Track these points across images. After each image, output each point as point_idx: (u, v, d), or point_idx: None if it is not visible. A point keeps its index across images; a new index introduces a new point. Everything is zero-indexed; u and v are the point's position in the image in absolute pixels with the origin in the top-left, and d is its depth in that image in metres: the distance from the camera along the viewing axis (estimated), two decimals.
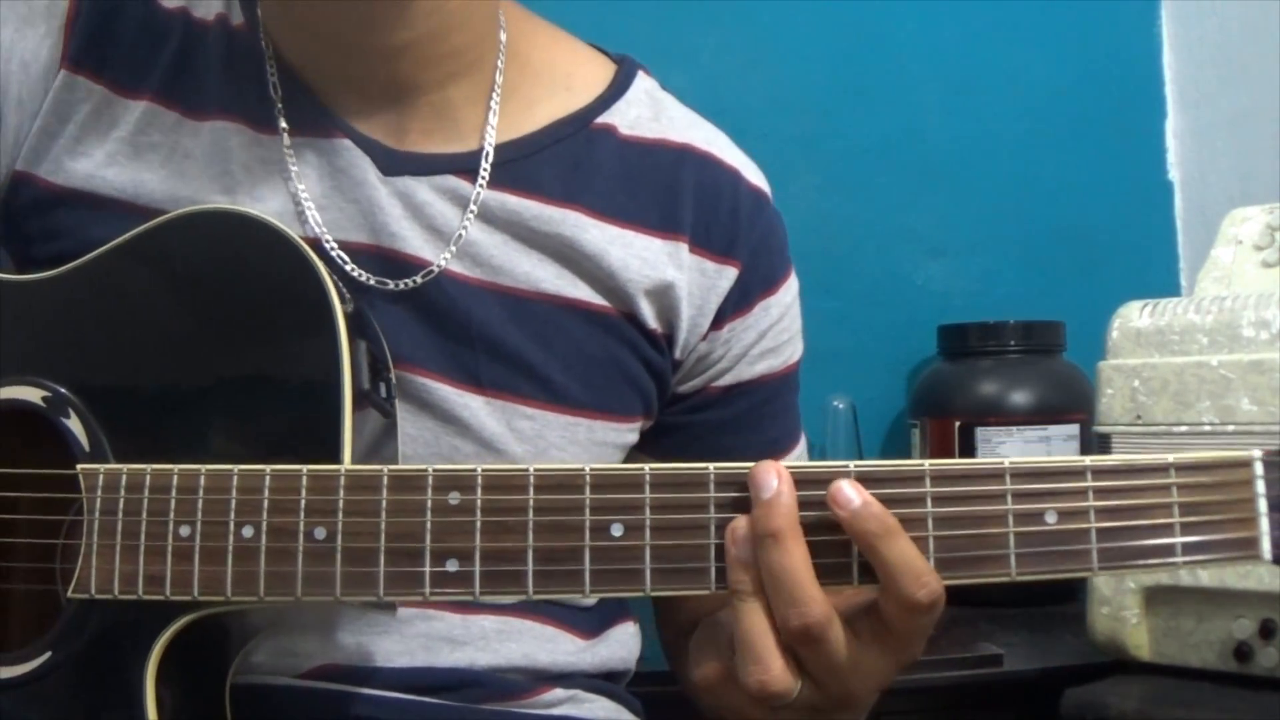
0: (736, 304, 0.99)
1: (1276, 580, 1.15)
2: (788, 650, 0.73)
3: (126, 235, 0.84)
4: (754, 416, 1.03)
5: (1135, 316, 1.27)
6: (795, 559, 0.71)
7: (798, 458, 1.08)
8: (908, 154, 1.96)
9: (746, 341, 1.01)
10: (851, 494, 0.71)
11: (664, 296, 0.97)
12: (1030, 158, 1.99)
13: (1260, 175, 1.81)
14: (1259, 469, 0.70)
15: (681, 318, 0.97)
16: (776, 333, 1.03)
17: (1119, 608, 1.25)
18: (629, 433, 0.99)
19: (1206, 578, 1.19)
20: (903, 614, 0.72)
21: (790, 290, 1.04)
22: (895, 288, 1.94)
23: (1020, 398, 1.70)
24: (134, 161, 0.91)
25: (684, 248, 0.97)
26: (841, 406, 1.81)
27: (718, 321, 0.99)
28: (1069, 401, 1.70)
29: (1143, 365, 1.23)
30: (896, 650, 0.75)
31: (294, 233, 0.82)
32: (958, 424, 1.71)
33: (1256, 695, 1.17)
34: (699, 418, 1.02)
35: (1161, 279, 2.01)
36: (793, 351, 1.05)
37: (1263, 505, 0.70)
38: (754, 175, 1.03)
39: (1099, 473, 0.71)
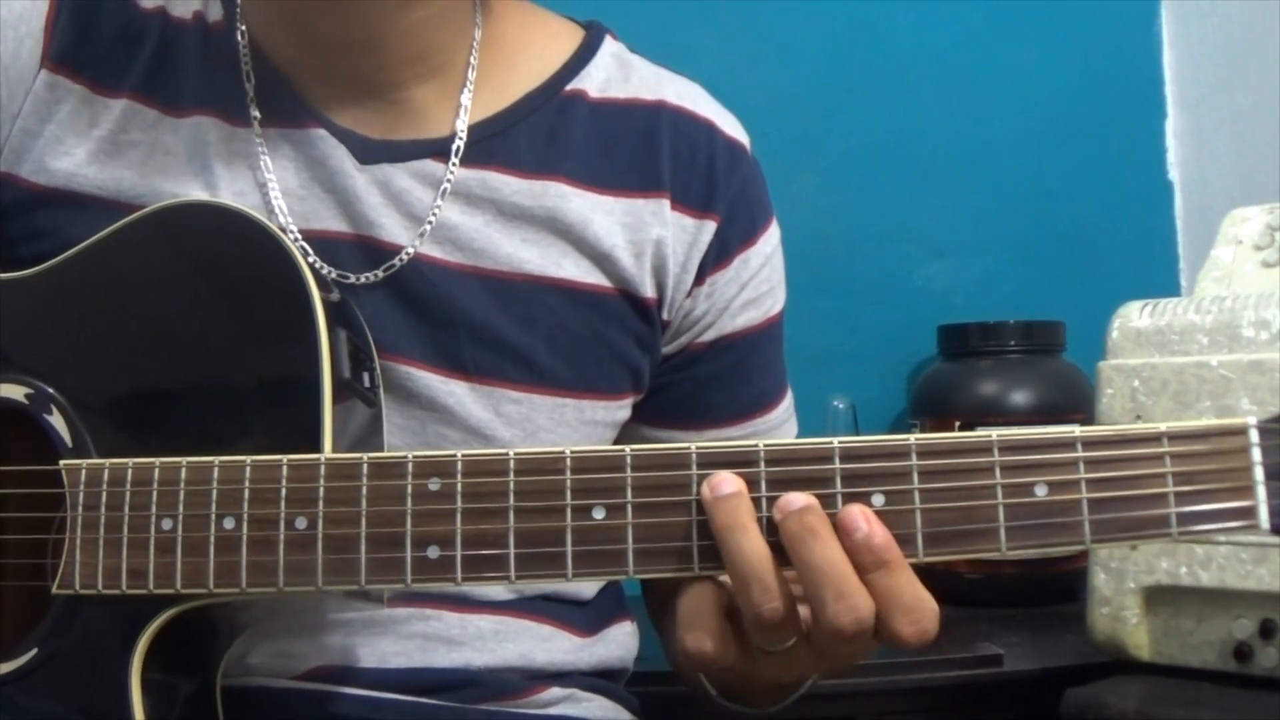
0: (716, 257, 0.99)
1: (1276, 580, 1.14)
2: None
3: (106, 230, 0.84)
4: (740, 370, 1.03)
5: (1135, 316, 1.27)
6: (836, 552, 0.70)
7: (785, 410, 1.08)
8: (908, 154, 1.96)
9: (728, 295, 1.00)
10: (858, 522, 0.70)
11: (657, 256, 0.97)
12: (1030, 158, 1.99)
13: (1260, 175, 1.81)
14: (1255, 436, 0.68)
15: (669, 275, 0.97)
16: (757, 284, 1.02)
17: (1119, 608, 1.24)
18: (619, 410, 0.99)
19: (1206, 577, 1.19)
20: (891, 638, 0.71)
21: (770, 241, 1.03)
22: (895, 288, 1.95)
23: (1020, 398, 1.70)
24: (115, 159, 0.91)
25: (666, 205, 0.97)
26: (841, 406, 1.81)
27: (699, 276, 0.99)
28: (1069, 401, 1.69)
29: (1143, 365, 1.23)
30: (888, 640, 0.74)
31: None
32: (958, 424, 1.71)
33: (1256, 695, 1.17)
34: (685, 375, 1.02)
35: (1161, 279, 2.01)
36: (774, 303, 1.05)
37: (1259, 474, 0.68)
38: (730, 126, 1.02)
39: (1089, 443, 0.70)
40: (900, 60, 1.97)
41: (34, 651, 0.79)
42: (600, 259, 0.95)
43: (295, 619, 0.89)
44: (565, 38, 1.01)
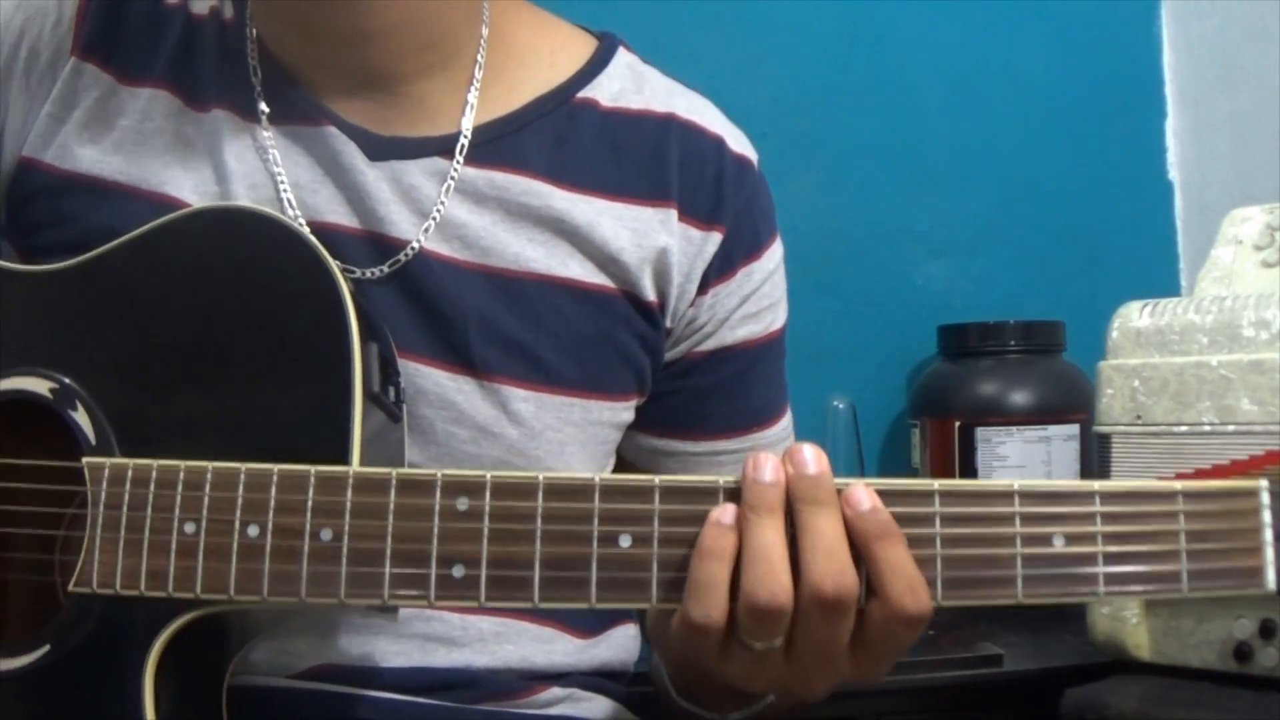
0: (720, 269, 1.00)
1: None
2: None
3: (139, 230, 0.85)
4: (738, 383, 1.04)
5: (1135, 316, 1.27)
6: (839, 525, 0.72)
7: (783, 428, 1.09)
8: (908, 154, 1.95)
9: (729, 306, 1.02)
10: (863, 497, 0.72)
11: (659, 263, 0.97)
12: (1030, 158, 1.99)
13: (1260, 175, 1.81)
14: (1265, 498, 0.71)
15: (673, 284, 0.98)
16: (758, 298, 1.03)
17: (1119, 608, 1.24)
18: (624, 411, 1.00)
19: None
20: (888, 622, 0.72)
21: (773, 258, 1.05)
22: (895, 288, 1.94)
23: (1020, 398, 1.70)
24: (138, 148, 0.92)
25: (673, 215, 0.98)
26: (841, 406, 1.81)
27: (703, 287, 1.00)
28: (1069, 401, 1.70)
29: (1143, 365, 1.23)
30: (865, 661, 0.75)
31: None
32: (958, 424, 1.71)
33: (1256, 695, 1.17)
34: (684, 384, 1.03)
35: (1161, 279, 2.01)
36: (774, 319, 1.06)
37: (1268, 535, 0.70)
38: (738, 142, 1.04)
39: (1107, 497, 0.71)
40: (900, 60, 1.96)
41: (46, 648, 0.79)
42: (606, 262, 0.96)
43: (297, 618, 0.90)
44: (577, 45, 1.02)
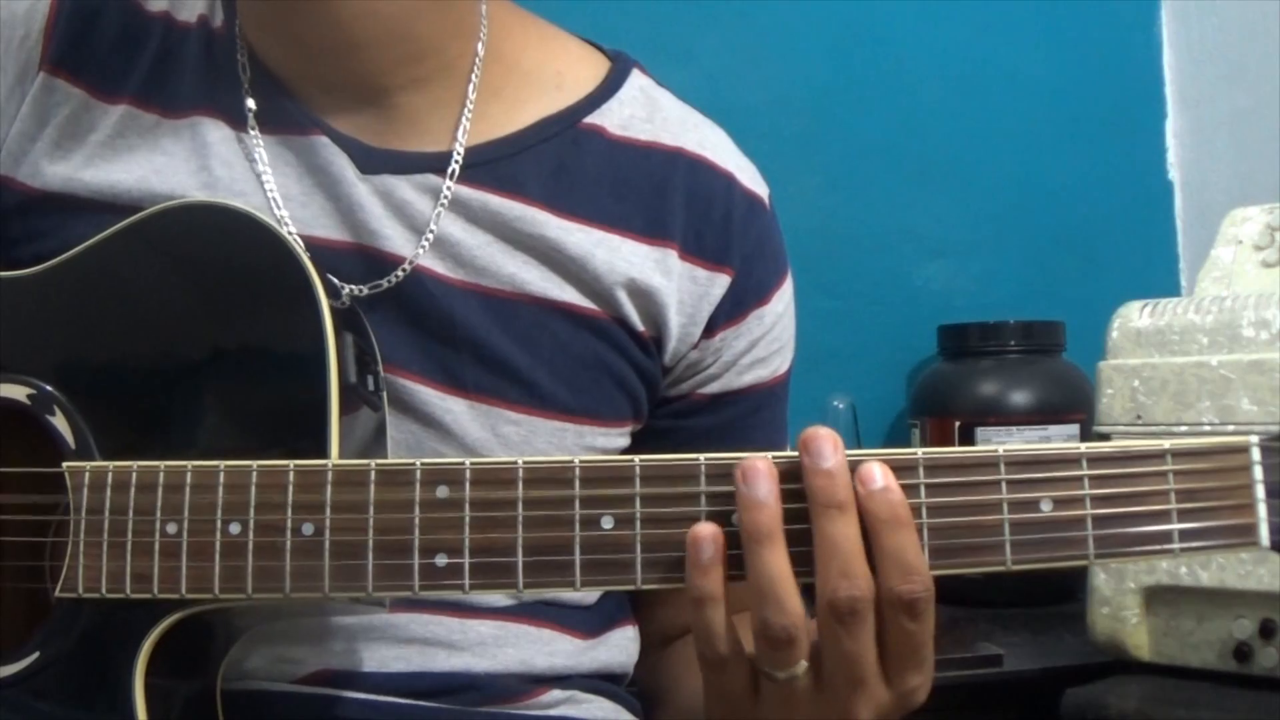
0: (729, 313, 0.98)
1: (1276, 580, 1.14)
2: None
3: (110, 229, 0.84)
4: (741, 426, 1.02)
5: (1135, 316, 1.26)
6: (854, 530, 0.70)
7: None
8: (908, 154, 1.95)
9: (737, 350, 1.00)
10: (877, 474, 0.70)
11: (647, 300, 0.95)
12: (1030, 158, 1.99)
13: (1260, 175, 1.81)
14: (1256, 455, 0.70)
15: (670, 325, 0.96)
16: (768, 342, 1.01)
17: (1119, 608, 1.24)
18: (619, 437, 0.98)
19: (1206, 577, 1.19)
20: (890, 612, 0.71)
21: (783, 299, 1.03)
22: (895, 288, 1.94)
23: (1020, 398, 1.70)
24: (112, 164, 0.91)
25: (673, 254, 0.96)
26: (841, 406, 1.81)
27: (709, 330, 0.98)
28: (1069, 401, 1.69)
29: (1143, 365, 1.23)
30: (894, 670, 0.73)
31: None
32: (958, 424, 1.71)
33: (1256, 695, 1.17)
34: (685, 423, 1.01)
35: (1161, 279, 2.01)
36: (781, 362, 1.04)
37: (1260, 491, 0.69)
38: (749, 180, 1.01)
39: (1094, 460, 0.70)
40: (900, 60, 1.96)
41: (36, 655, 0.79)
42: (599, 292, 0.94)
43: (294, 623, 0.89)
44: (587, 66, 1.00)
